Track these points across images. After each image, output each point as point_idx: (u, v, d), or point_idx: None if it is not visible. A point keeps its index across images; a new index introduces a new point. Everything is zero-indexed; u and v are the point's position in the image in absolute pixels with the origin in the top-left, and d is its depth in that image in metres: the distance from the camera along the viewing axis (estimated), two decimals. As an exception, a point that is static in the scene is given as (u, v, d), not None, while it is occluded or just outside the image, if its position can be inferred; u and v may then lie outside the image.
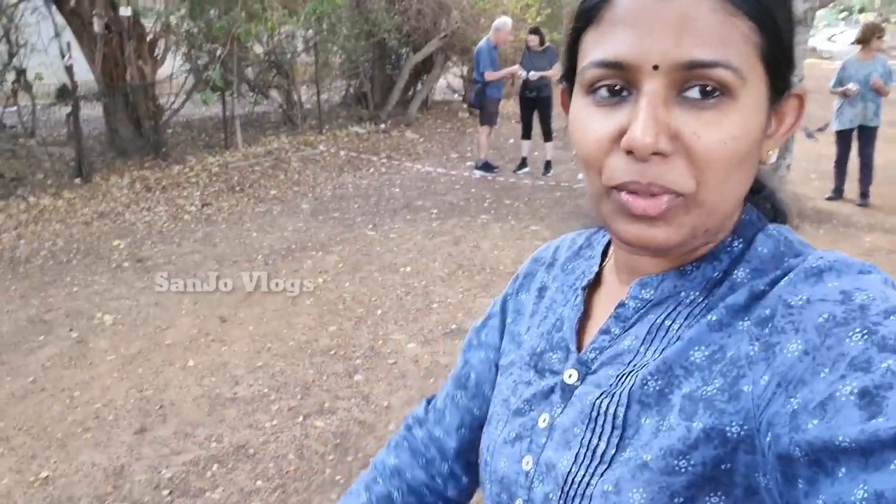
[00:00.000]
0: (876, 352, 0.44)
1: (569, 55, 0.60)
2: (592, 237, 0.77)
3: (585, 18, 0.56)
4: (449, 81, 14.54)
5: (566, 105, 0.63)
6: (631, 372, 0.59)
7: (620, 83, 0.53)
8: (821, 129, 7.30)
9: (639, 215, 0.54)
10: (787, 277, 0.54)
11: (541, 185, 7.92)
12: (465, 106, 13.05)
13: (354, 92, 12.42)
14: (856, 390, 0.43)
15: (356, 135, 10.65)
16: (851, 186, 7.00)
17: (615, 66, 0.53)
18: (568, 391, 0.64)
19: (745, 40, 0.52)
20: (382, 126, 11.21)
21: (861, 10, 50.88)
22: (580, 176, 6.25)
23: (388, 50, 12.15)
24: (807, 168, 7.72)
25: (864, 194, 6.89)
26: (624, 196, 0.54)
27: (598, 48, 0.54)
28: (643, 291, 0.62)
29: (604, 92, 0.54)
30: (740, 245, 0.60)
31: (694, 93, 0.51)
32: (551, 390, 0.66)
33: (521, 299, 0.80)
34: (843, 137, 6.95)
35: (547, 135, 8.30)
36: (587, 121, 0.56)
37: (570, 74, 0.61)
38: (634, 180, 0.53)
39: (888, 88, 6.70)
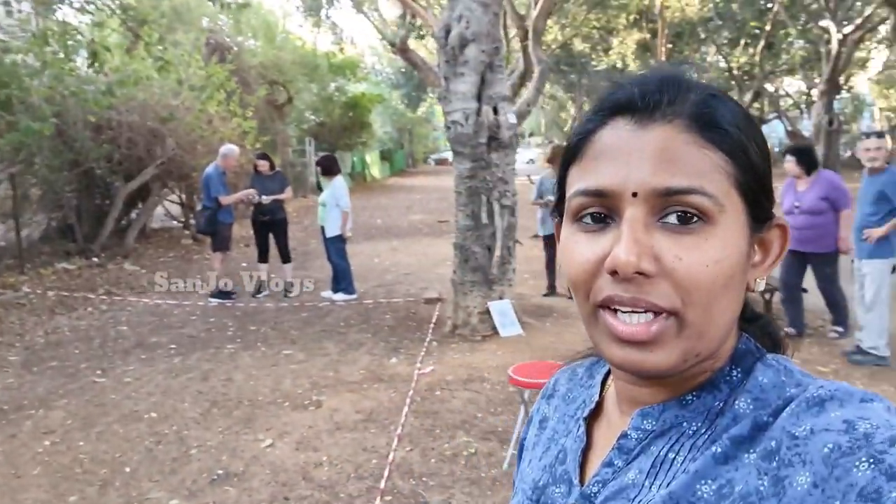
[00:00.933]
0: (884, 481, 0.44)
1: (559, 188, 0.65)
2: (593, 367, 0.78)
3: (571, 154, 0.61)
4: (167, 208, 13.85)
5: (559, 236, 0.66)
6: None
7: (603, 211, 0.57)
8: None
9: (626, 340, 0.56)
10: (789, 408, 0.54)
11: (285, 306, 7.76)
12: (187, 233, 12.49)
13: (58, 225, 11.20)
14: None
15: (65, 271, 9.52)
16: (561, 282, 7.96)
17: (598, 195, 0.57)
18: None
19: (718, 170, 0.56)
20: (96, 259, 10.20)
21: (531, 134, 59.79)
22: (324, 294, 6.27)
23: (96, 179, 11.26)
24: (520, 270, 8.66)
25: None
26: (610, 321, 0.56)
27: (582, 179, 0.59)
28: (645, 422, 0.62)
29: (589, 219, 0.58)
30: (739, 374, 0.61)
31: (673, 219, 0.55)
32: None
33: (529, 436, 0.80)
34: (548, 241, 7.93)
35: (285, 257, 8.26)
36: (575, 246, 0.59)
37: (560, 205, 0.65)
38: (617, 293, 0.55)
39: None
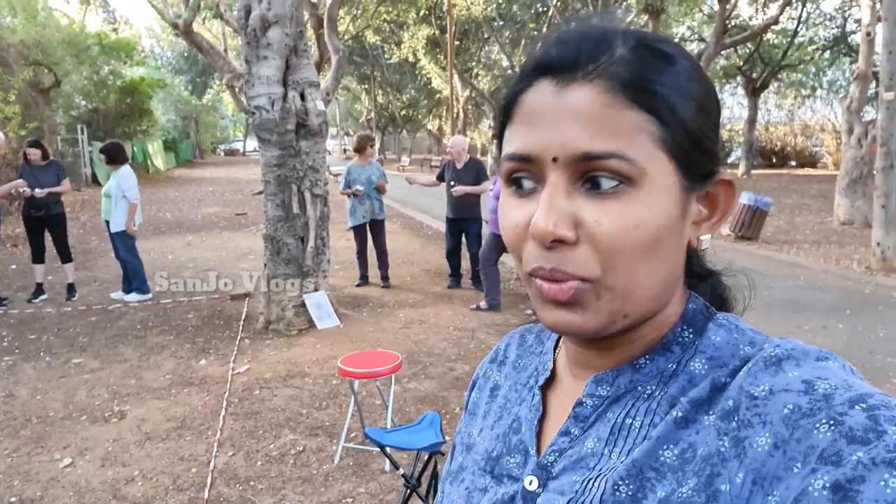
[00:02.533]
0: (845, 444, 0.44)
1: (498, 147, 0.63)
2: (542, 333, 0.76)
3: (504, 117, 0.60)
4: None
5: None
6: (598, 476, 0.56)
7: (531, 175, 0.57)
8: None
9: (552, 300, 0.55)
10: (746, 367, 0.54)
11: (69, 311, 6.93)
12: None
13: None
14: (828, 485, 0.43)
15: None
16: (373, 272, 7.96)
17: (523, 159, 0.56)
18: (530, 499, 0.61)
19: (641, 131, 0.53)
20: None
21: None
22: (113, 295, 5.78)
23: None
24: (332, 261, 8.53)
25: (385, 277, 7.92)
26: (538, 282, 0.56)
27: (510, 143, 0.58)
28: (599, 388, 0.61)
29: (519, 184, 0.58)
30: (690, 335, 0.60)
31: (594, 183, 0.54)
32: (511, 499, 0.63)
33: (475, 400, 0.78)
34: (358, 232, 7.89)
35: (64, 256, 7.36)
36: (507, 210, 0.58)
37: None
38: (540, 266, 0.55)
39: (387, 187, 7.89)
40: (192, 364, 5.38)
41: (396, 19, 26.06)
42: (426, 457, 3.14)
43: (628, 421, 0.58)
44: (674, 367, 0.59)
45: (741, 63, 24.14)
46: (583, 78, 0.54)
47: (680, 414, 0.55)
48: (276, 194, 6.11)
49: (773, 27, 19.72)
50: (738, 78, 26.01)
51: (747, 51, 23.16)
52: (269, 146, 6.03)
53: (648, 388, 0.59)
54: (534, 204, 0.56)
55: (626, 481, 0.54)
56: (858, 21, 21.34)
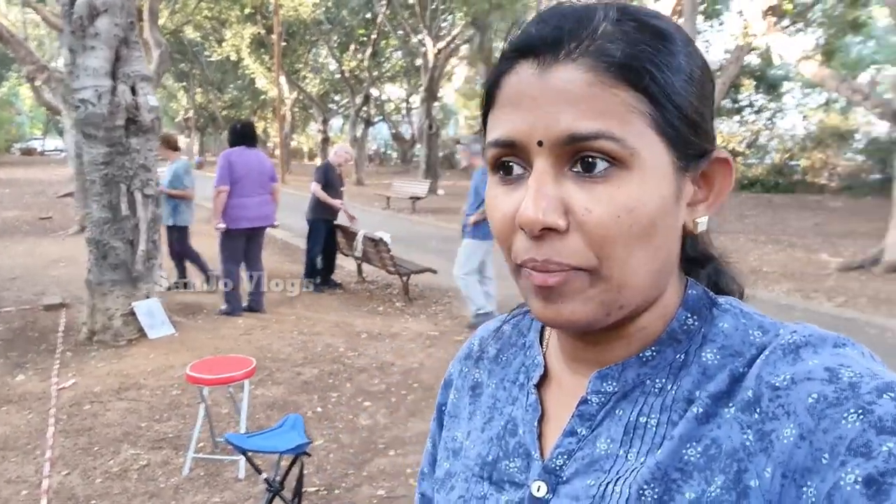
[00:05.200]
0: (874, 434, 0.43)
1: (483, 134, 0.60)
2: (520, 324, 0.72)
3: (488, 100, 0.57)
4: None
5: None
6: (617, 480, 0.54)
7: (517, 161, 0.54)
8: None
9: (541, 287, 0.53)
10: (763, 356, 0.52)
11: None
12: None
13: None
14: (860, 478, 0.41)
15: None
16: (195, 274, 7.46)
17: (508, 145, 0.53)
18: None
19: (629, 110, 0.51)
20: None
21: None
22: None
23: None
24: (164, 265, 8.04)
25: (207, 280, 7.37)
26: (527, 271, 0.53)
27: (493, 129, 0.55)
28: (605, 384, 0.58)
29: (505, 171, 0.55)
30: (695, 322, 0.58)
31: (582, 167, 0.51)
32: None
33: (455, 402, 0.73)
34: (179, 232, 7.24)
35: None
36: (495, 199, 0.56)
37: None
38: (531, 258, 0.52)
39: (179, 191, 7.11)
40: (6, 380, 4.87)
41: (219, 16, 25.01)
42: (289, 460, 3.10)
43: (643, 419, 0.55)
44: (682, 357, 0.57)
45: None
46: (565, 57, 0.51)
47: (700, 409, 0.53)
48: (103, 194, 5.68)
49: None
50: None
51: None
52: (96, 142, 5.59)
53: (658, 382, 0.56)
54: (522, 191, 0.53)
55: (652, 484, 0.52)
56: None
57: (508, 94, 0.54)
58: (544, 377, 0.65)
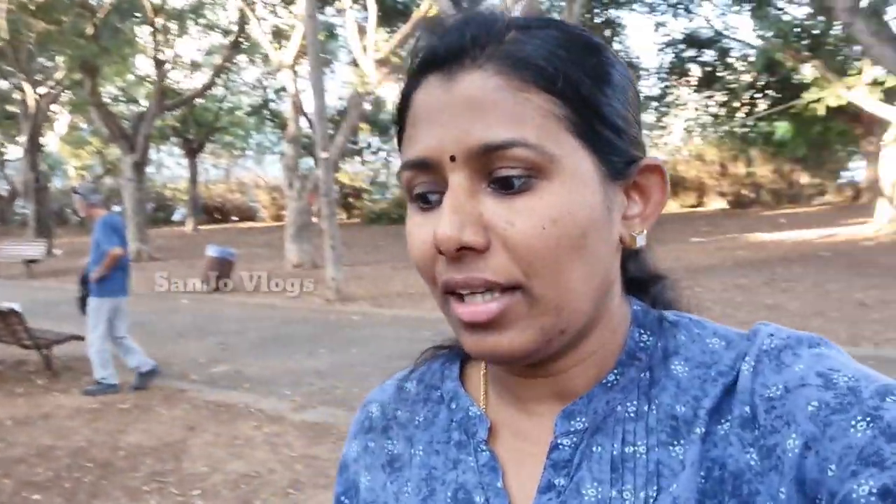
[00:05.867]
0: (884, 442, 0.41)
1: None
2: (424, 377, 0.65)
3: (399, 123, 0.54)
4: None
5: None
6: None
7: (430, 186, 0.50)
8: None
9: (470, 323, 0.49)
10: (748, 367, 0.50)
11: None
12: None
13: None
14: (875, 490, 0.40)
15: None
16: None
17: (420, 166, 0.50)
18: None
19: (543, 115, 0.48)
20: None
21: None
22: None
23: None
24: None
25: None
26: (456, 305, 0.49)
27: (404, 152, 0.52)
28: (573, 423, 0.53)
29: (423, 197, 0.51)
30: (650, 337, 0.55)
31: (498, 182, 0.48)
32: None
33: (369, 485, 0.62)
34: None
35: None
36: (412, 228, 0.52)
37: None
38: (450, 276, 0.48)
39: None
40: None
41: None
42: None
43: (629, 450, 0.51)
44: (648, 375, 0.53)
45: (177, 124, 24.97)
46: (471, 64, 0.48)
47: (704, 429, 0.49)
48: None
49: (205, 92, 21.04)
50: (175, 138, 26.80)
51: (181, 113, 24.08)
52: None
53: (631, 405, 0.52)
54: (436, 217, 0.49)
55: None
56: (278, 90, 24.49)
57: (417, 111, 0.51)
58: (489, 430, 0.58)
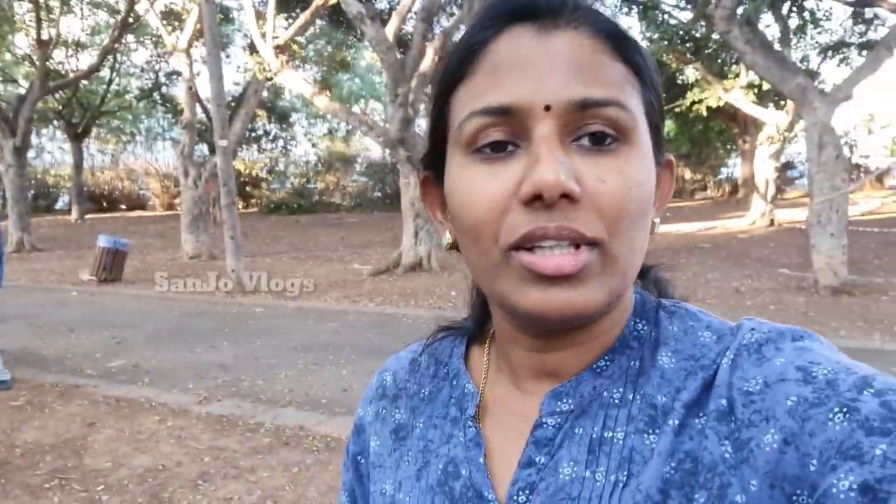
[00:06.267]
0: (863, 435, 0.41)
1: (436, 126, 0.55)
2: (436, 352, 0.67)
3: (456, 76, 0.52)
4: None
5: (426, 195, 0.60)
6: None
7: (507, 135, 0.49)
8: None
9: (551, 276, 0.47)
10: (727, 360, 0.50)
11: None
12: None
13: None
14: (855, 485, 0.39)
15: None
16: None
17: (502, 112, 0.48)
18: None
19: (631, 84, 0.50)
20: None
21: None
22: None
23: None
24: None
25: None
26: (527, 257, 0.48)
27: (478, 98, 0.50)
28: (560, 403, 0.54)
29: (489, 149, 0.49)
30: (644, 327, 0.56)
31: (588, 140, 0.48)
32: None
33: (377, 449, 0.65)
34: None
35: None
36: (475, 181, 0.50)
37: (433, 155, 0.57)
38: (541, 225, 0.47)
39: None
40: None
41: None
42: None
43: (607, 434, 0.52)
44: (637, 364, 0.54)
45: (60, 107, 23.53)
46: (567, 24, 0.49)
47: (677, 421, 0.50)
48: None
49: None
50: (58, 122, 25.24)
51: (65, 96, 22.70)
52: None
53: (616, 392, 0.53)
54: (513, 168, 0.48)
55: None
56: (169, 74, 23.52)
57: (501, 58, 0.49)
58: (481, 407, 0.60)
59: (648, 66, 0.52)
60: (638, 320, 0.56)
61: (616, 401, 0.53)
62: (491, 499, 0.54)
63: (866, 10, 13.03)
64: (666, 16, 14.80)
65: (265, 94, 18.06)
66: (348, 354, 6.23)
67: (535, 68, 0.48)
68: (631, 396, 0.53)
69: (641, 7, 14.65)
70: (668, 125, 19.54)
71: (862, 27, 14.60)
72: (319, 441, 4.32)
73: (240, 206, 25.71)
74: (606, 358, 0.55)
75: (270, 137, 27.63)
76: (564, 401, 0.54)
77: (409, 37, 11.66)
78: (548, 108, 0.48)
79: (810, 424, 0.43)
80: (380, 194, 25.40)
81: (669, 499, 0.48)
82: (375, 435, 0.66)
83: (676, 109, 16.28)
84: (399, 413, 0.65)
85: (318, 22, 14.98)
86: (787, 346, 0.49)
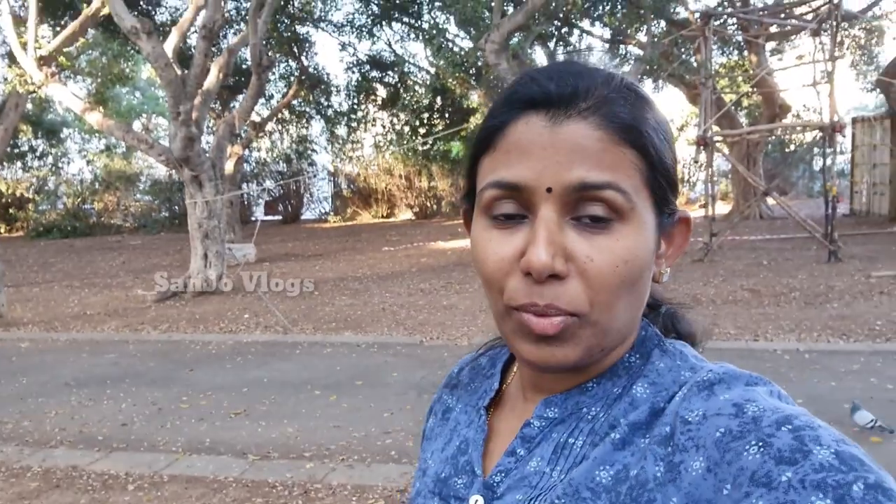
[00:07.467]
0: (773, 465, 0.45)
1: (468, 177, 0.64)
2: (496, 356, 0.77)
3: (484, 144, 0.60)
4: None
5: (468, 224, 0.66)
6: (540, 495, 0.58)
7: (517, 208, 0.57)
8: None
9: (538, 335, 0.56)
10: (681, 392, 0.56)
11: None
12: None
13: None
14: None
15: None
16: None
17: (511, 188, 0.56)
18: None
19: (631, 167, 0.55)
20: None
21: None
22: None
23: None
24: None
25: None
26: (524, 316, 0.56)
27: (495, 171, 0.58)
28: (548, 410, 0.63)
29: (502, 217, 0.58)
30: (637, 360, 0.62)
31: (586, 219, 0.55)
32: None
33: (431, 425, 0.79)
34: None
35: None
36: (488, 243, 0.59)
37: (470, 194, 0.65)
38: (533, 302, 0.55)
39: None
40: None
41: None
42: None
43: (570, 440, 0.60)
44: (619, 391, 0.61)
45: None
46: (577, 114, 0.55)
47: (618, 436, 0.57)
48: None
49: None
50: None
51: None
52: None
53: (593, 410, 0.61)
54: (520, 235, 0.56)
55: (563, 500, 0.56)
56: None
57: (516, 140, 0.57)
58: (501, 403, 0.71)
59: (657, 148, 0.58)
60: (633, 353, 0.63)
61: (589, 417, 0.61)
62: (479, 473, 0.65)
63: (620, 46, 14.78)
64: (450, 43, 15.65)
65: (29, 106, 16.38)
66: (128, 387, 5.89)
67: (543, 154, 0.55)
68: (602, 416, 0.60)
69: (426, 35, 15.36)
70: (454, 146, 20.54)
71: (616, 61, 16.49)
72: (95, 479, 4.08)
73: (1, 230, 23.08)
74: (594, 381, 0.63)
75: (37, 154, 24.93)
76: (552, 409, 0.63)
77: (193, 52, 11.23)
78: (549, 189, 0.55)
79: (730, 455, 0.48)
80: (167, 214, 23.95)
81: (599, 499, 0.55)
82: (434, 414, 0.80)
83: (462, 133, 17.21)
84: (451, 399, 0.78)
85: (91, 31, 13.92)
86: (738, 388, 0.54)
